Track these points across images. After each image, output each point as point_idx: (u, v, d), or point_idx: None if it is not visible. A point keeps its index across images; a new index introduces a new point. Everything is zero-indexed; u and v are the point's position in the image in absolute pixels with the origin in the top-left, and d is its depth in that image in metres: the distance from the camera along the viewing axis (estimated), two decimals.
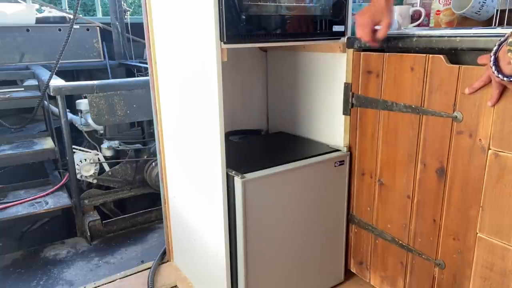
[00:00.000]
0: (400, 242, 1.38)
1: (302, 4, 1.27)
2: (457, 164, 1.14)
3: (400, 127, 1.29)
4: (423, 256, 1.30)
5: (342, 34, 1.36)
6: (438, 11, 1.47)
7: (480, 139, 1.07)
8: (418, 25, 1.50)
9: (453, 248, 1.20)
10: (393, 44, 1.22)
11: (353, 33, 1.40)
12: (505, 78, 0.89)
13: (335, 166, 1.46)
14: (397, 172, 1.33)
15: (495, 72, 0.90)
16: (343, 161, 1.47)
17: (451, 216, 1.19)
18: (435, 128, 1.18)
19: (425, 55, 1.16)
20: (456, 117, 1.11)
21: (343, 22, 1.35)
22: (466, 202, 1.14)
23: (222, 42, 1.15)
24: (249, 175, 1.27)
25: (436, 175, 1.20)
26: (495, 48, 0.91)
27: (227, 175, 1.28)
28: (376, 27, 1.19)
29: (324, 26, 1.32)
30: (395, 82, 1.27)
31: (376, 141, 1.39)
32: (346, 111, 1.46)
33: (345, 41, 1.38)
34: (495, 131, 1.03)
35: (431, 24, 1.51)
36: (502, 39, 0.90)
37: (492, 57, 0.91)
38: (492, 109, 1.02)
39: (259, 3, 1.18)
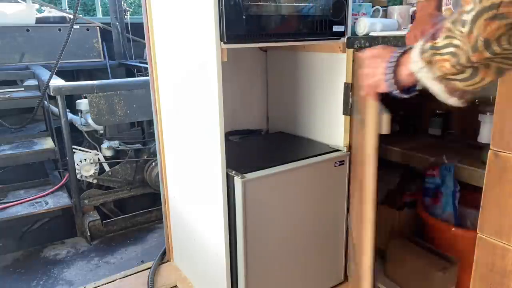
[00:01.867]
0: None
1: (302, 4, 1.27)
2: None
3: None
4: None
5: (342, 34, 1.36)
6: None
7: None
8: None
9: None
10: (392, 44, 1.22)
11: (353, 33, 1.40)
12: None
13: (335, 166, 1.46)
14: None
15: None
16: (343, 161, 1.47)
17: None
18: None
19: None
20: None
21: (343, 22, 1.35)
22: None
23: (222, 42, 1.15)
24: (249, 175, 1.27)
25: None
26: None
27: (227, 175, 1.28)
28: None
29: (324, 26, 1.32)
30: None
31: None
32: (346, 111, 1.45)
33: (345, 41, 1.38)
34: (495, 131, 1.03)
35: None
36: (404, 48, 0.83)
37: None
38: None
39: (259, 3, 1.18)
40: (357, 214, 1.14)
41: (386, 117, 0.87)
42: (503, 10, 0.58)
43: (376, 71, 0.83)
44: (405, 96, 0.85)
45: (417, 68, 0.75)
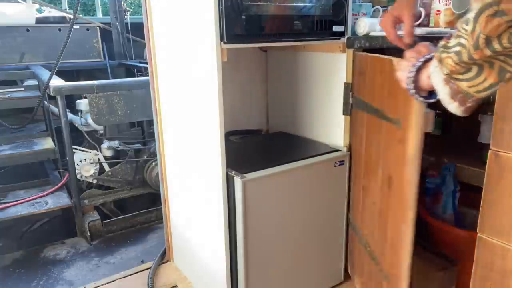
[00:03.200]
0: None
1: (302, 4, 1.27)
2: None
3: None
4: None
5: (342, 34, 1.36)
6: (438, 11, 1.47)
7: None
8: (418, 25, 1.50)
9: None
10: (391, 45, 1.21)
11: (353, 33, 1.40)
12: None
13: (335, 166, 1.46)
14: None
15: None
16: (343, 161, 1.47)
17: None
18: None
19: None
20: None
21: (343, 22, 1.35)
22: None
23: (222, 42, 1.15)
24: (249, 175, 1.27)
25: None
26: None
27: (227, 175, 1.28)
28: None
29: (324, 26, 1.32)
30: (373, 84, 1.24)
31: (360, 143, 1.37)
32: (346, 111, 1.45)
33: (345, 41, 1.38)
34: (495, 131, 1.03)
35: (431, 24, 1.51)
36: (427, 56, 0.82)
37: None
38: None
39: (259, 3, 1.18)
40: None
41: (430, 115, 0.87)
42: (503, 7, 0.58)
43: (403, 75, 0.83)
44: (428, 101, 0.85)
45: (433, 67, 0.76)
